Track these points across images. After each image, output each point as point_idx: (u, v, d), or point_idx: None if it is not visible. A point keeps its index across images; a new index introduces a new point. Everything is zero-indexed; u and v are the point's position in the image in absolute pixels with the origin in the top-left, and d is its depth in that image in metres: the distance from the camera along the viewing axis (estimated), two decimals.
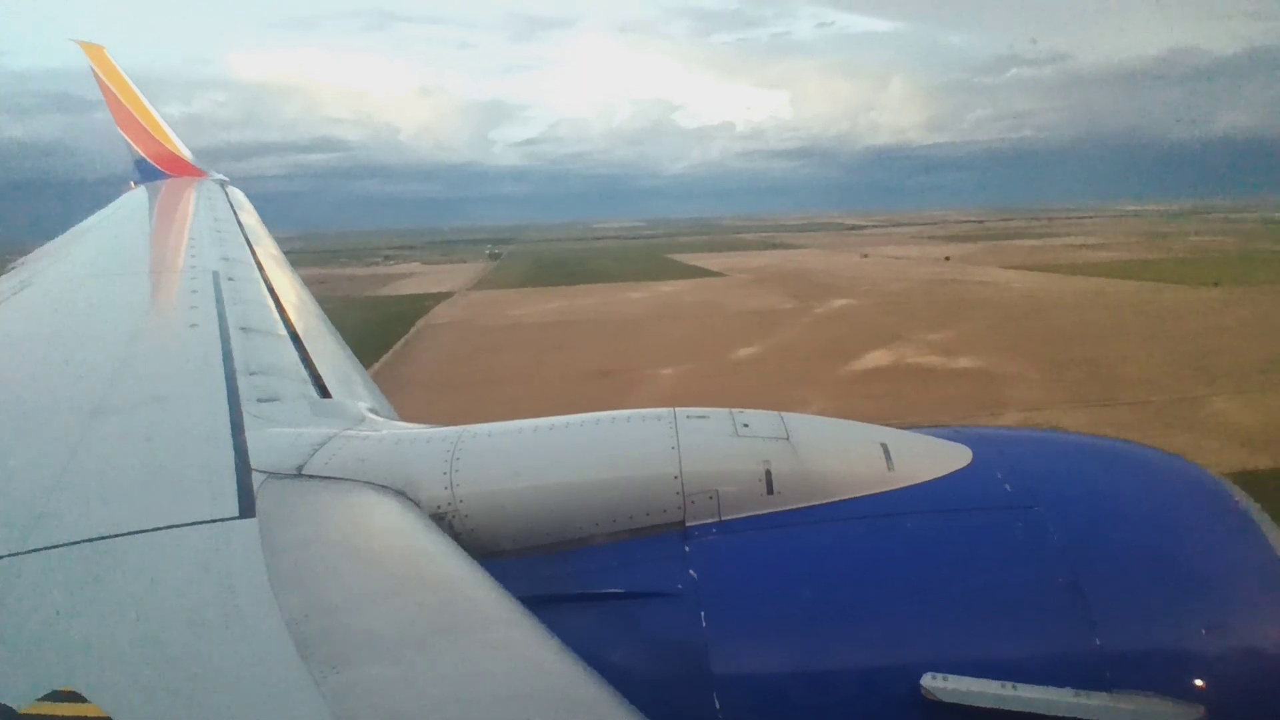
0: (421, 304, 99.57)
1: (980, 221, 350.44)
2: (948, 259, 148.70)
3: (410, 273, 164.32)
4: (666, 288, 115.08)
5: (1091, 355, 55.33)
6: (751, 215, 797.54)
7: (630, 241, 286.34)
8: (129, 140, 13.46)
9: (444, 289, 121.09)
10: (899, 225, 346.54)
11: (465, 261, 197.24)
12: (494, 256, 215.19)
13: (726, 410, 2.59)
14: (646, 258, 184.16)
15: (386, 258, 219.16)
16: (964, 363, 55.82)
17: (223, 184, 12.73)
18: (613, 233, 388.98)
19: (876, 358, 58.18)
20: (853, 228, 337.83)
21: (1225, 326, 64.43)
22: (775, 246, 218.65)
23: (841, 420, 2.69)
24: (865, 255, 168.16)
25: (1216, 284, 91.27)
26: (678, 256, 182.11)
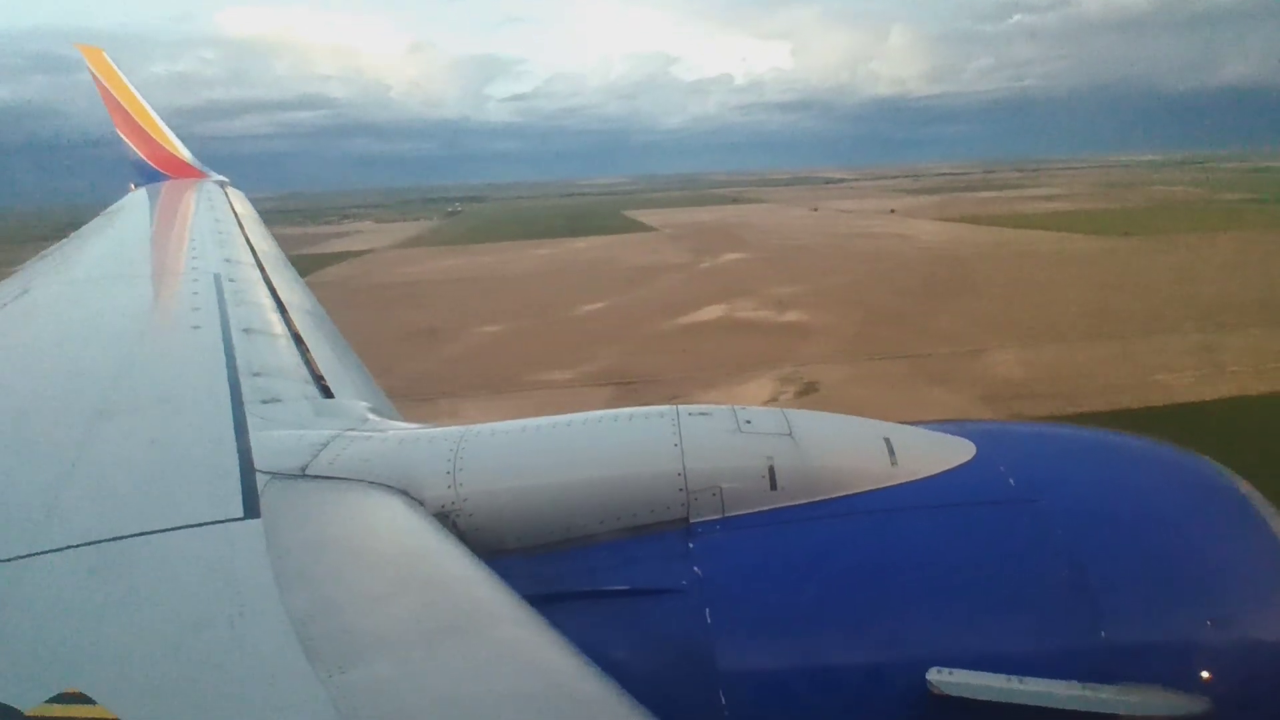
0: (323, 263, 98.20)
1: (965, 174, 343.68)
2: (892, 211, 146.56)
3: (352, 231, 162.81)
4: (581, 244, 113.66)
5: (926, 308, 54.13)
6: (744, 170, 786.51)
7: (602, 198, 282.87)
8: (129, 142, 13.39)
9: (366, 247, 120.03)
10: (882, 179, 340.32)
11: (418, 220, 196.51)
12: (452, 214, 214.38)
13: (729, 407, 2.57)
14: (596, 214, 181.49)
15: (344, 216, 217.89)
16: (790, 317, 54.75)
17: (222, 185, 12.73)
18: (594, 189, 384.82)
19: (706, 313, 57.16)
20: (833, 181, 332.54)
21: (1089, 278, 62.76)
22: (737, 201, 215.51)
23: (844, 415, 2.65)
24: (815, 209, 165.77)
25: (1126, 234, 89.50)
26: (631, 212, 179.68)
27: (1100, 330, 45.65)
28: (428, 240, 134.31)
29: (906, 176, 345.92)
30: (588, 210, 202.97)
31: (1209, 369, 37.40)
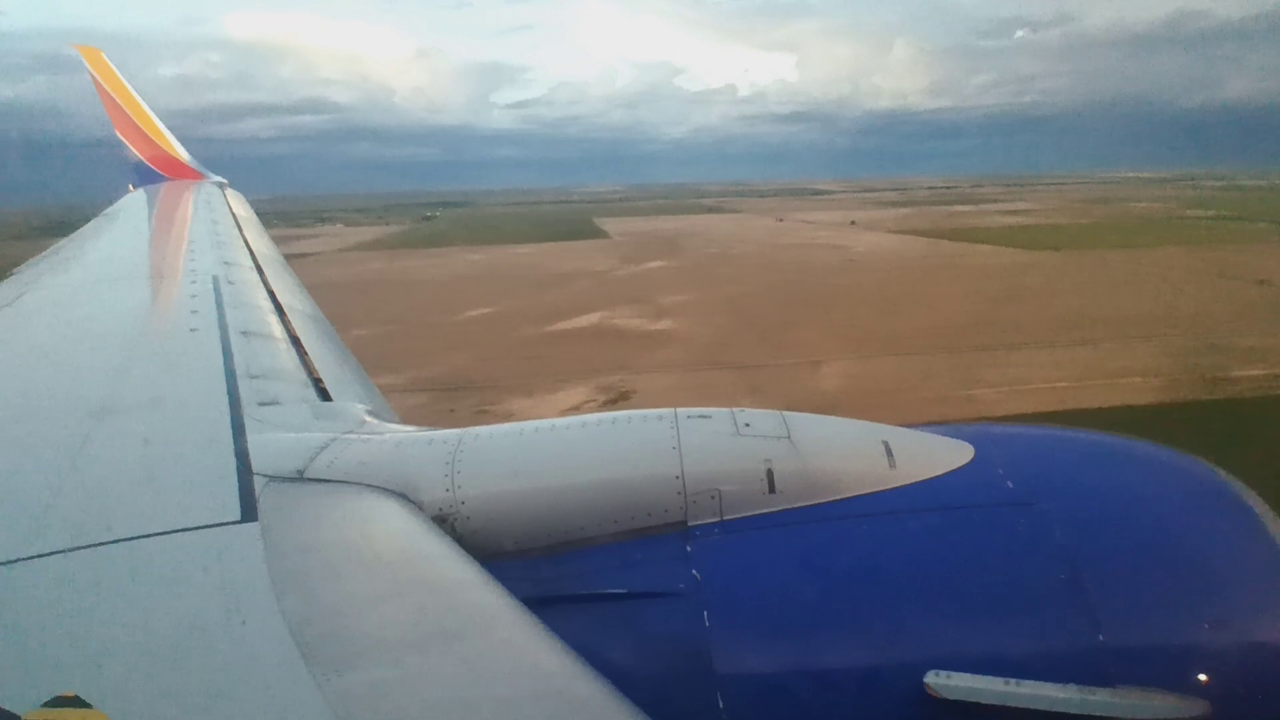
0: None
1: (953, 188, 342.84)
2: (852, 223, 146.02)
3: (316, 235, 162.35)
4: (523, 250, 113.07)
5: (798, 318, 53.27)
6: (742, 181, 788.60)
7: (586, 206, 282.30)
8: (127, 143, 13.34)
9: (316, 250, 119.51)
10: (871, 191, 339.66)
11: (389, 224, 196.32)
12: (427, 219, 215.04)
13: (728, 410, 2.56)
14: (565, 222, 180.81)
15: (320, 220, 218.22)
16: (660, 325, 53.94)
17: (221, 186, 12.71)
18: (584, 197, 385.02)
19: (580, 320, 56.30)
20: (821, 193, 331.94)
21: (981, 290, 61.55)
22: (714, 211, 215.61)
23: (843, 419, 2.64)
24: (780, 220, 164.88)
25: (1055, 249, 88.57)
26: (602, 220, 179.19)
27: (956, 343, 44.50)
28: (378, 244, 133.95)
29: (895, 190, 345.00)
30: (560, 217, 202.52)
31: (1033, 383, 36.21)
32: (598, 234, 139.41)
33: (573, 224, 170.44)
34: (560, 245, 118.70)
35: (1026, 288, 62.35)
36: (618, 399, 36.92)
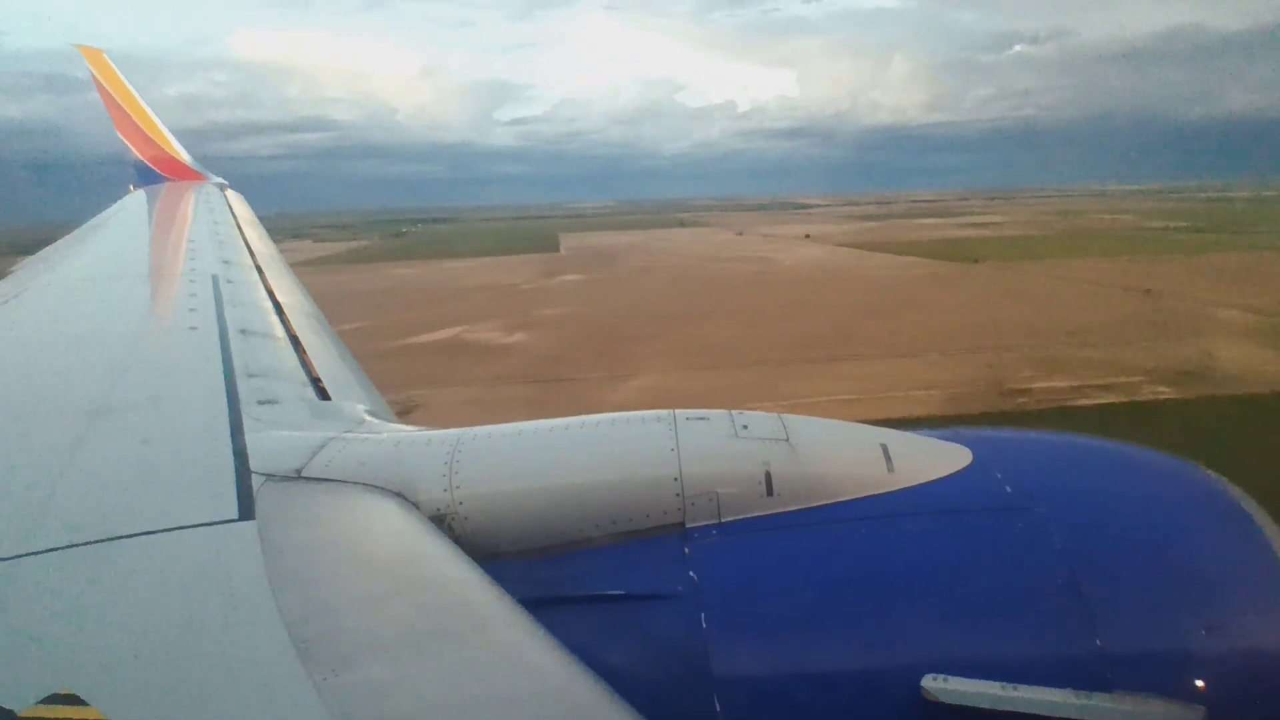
0: None
1: (936, 202, 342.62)
2: (808, 237, 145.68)
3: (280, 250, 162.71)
4: (457, 265, 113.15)
5: (665, 331, 52.36)
6: (737, 196, 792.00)
7: (564, 220, 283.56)
8: (128, 144, 13.37)
9: None
10: (854, 205, 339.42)
11: (358, 240, 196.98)
12: (397, 235, 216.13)
13: (726, 412, 2.55)
14: (527, 237, 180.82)
15: (294, 235, 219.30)
16: (516, 338, 53.08)
17: (221, 187, 12.78)
18: (571, 213, 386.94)
19: (446, 333, 55.69)
20: (803, 207, 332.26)
21: (868, 303, 60.34)
22: (684, 225, 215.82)
23: (841, 421, 2.64)
24: (739, 234, 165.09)
25: (976, 261, 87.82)
26: (566, 235, 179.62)
27: (790, 355, 43.30)
28: (321, 260, 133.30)
29: (878, 204, 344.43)
30: (528, 232, 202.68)
31: (827, 395, 34.87)
32: (548, 248, 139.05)
33: (533, 239, 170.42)
34: (499, 259, 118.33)
35: (910, 300, 61.15)
36: (401, 412, 35.76)
